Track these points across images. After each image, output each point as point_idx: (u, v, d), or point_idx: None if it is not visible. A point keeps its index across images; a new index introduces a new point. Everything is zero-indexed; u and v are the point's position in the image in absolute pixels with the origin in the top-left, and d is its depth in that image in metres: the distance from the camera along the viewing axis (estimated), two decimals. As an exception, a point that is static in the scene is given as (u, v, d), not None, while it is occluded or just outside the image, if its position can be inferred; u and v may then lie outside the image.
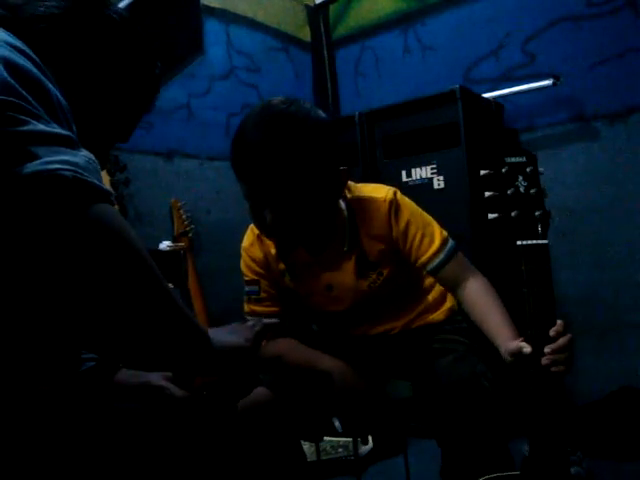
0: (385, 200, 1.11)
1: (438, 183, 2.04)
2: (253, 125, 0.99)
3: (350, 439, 2.00)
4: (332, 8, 2.84)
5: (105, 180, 1.77)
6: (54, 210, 0.42)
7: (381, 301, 1.20)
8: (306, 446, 2.05)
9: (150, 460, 0.76)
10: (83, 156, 0.47)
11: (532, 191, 0.85)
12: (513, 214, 0.84)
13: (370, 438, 1.96)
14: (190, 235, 2.07)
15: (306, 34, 2.86)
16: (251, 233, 1.20)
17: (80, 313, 0.47)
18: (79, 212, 0.43)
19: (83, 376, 0.83)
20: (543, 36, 2.14)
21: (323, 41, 2.85)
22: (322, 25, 2.85)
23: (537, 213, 0.85)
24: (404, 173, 2.13)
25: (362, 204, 1.12)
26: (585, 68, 2.05)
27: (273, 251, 1.16)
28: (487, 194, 0.86)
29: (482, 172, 0.87)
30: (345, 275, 1.13)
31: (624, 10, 1.97)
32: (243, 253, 1.21)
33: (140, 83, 0.72)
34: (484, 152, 2.04)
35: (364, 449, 1.92)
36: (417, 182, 2.10)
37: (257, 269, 1.18)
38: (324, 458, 1.87)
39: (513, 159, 0.85)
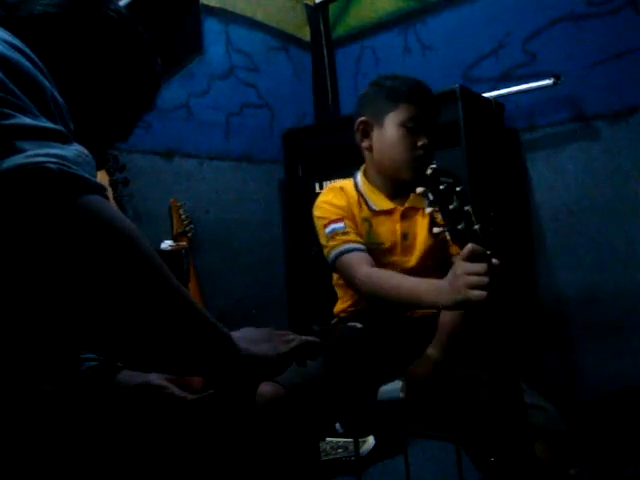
0: None
1: (438, 183, 2.04)
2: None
3: (350, 439, 1.99)
4: (332, 7, 2.84)
5: (104, 180, 1.77)
6: (40, 203, 0.40)
7: (438, 268, 1.25)
8: (306, 446, 2.05)
9: (151, 460, 0.75)
10: (73, 149, 0.45)
11: (466, 208, 0.93)
12: (460, 227, 0.91)
13: (372, 437, 1.96)
14: (189, 235, 2.07)
15: (306, 33, 2.86)
16: (330, 190, 1.37)
17: (80, 310, 0.45)
18: (66, 204, 0.42)
19: (83, 376, 0.82)
20: (543, 35, 2.14)
21: (323, 41, 2.85)
22: (322, 24, 2.85)
23: (476, 227, 0.91)
24: (404, 173, 2.13)
25: None
26: (586, 67, 2.04)
27: (354, 200, 1.32)
28: (428, 210, 0.96)
29: (418, 190, 0.99)
30: (420, 227, 1.31)
31: (625, 9, 1.97)
32: (322, 205, 1.32)
33: (140, 81, 0.71)
34: (484, 152, 2.04)
35: (365, 449, 1.91)
36: (417, 182, 2.09)
37: (341, 212, 1.29)
38: (324, 458, 1.87)
39: (445, 179, 0.96)
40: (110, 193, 1.75)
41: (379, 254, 1.27)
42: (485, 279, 0.88)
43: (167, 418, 0.83)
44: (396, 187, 1.34)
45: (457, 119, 1.96)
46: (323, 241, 1.29)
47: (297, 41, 2.80)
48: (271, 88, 2.61)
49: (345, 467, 1.82)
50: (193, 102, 2.27)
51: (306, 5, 2.86)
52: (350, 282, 1.24)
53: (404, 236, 1.30)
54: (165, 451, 0.77)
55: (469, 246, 0.89)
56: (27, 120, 0.43)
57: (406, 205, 1.31)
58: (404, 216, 1.31)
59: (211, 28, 2.37)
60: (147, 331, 0.48)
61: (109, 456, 0.71)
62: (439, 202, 0.93)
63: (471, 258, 0.89)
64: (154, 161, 2.11)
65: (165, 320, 0.49)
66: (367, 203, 1.33)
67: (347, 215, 1.29)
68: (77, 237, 0.42)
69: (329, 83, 2.85)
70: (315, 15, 2.86)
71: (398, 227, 1.30)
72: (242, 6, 2.51)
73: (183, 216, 2.07)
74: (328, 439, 2.04)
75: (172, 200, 2.09)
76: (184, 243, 2.03)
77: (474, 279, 0.89)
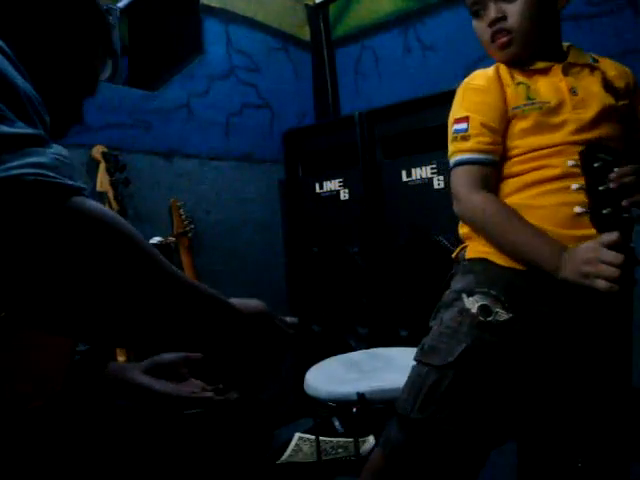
0: (627, 72, 1.15)
1: (438, 183, 2.04)
2: None
3: (350, 439, 2.00)
4: (332, 7, 2.84)
5: (105, 180, 1.77)
6: (19, 213, 0.41)
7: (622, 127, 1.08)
8: (307, 446, 2.05)
9: (144, 460, 0.75)
10: (51, 153, 0.45)
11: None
12: (605, 211, 0.81)
13: (372, 437, 1.96)
14: (190, 235, 2.07)
15: (306, 33, 2.86)
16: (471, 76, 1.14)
17: (82, 304, 0.45)
18: (47, 212, 0.42)
19: (76, 367, 0.81)
20: (543, 36, 2.14)
21: (323, 41, 2.85)
22: (322, 24, 2.85)
23: (625, 215, 0.82)
24: (404, 173, 2.13)
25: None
26: (585, 68, 2.05)
27: (501, 72, 1.11)
28: (574, 187, 0.86)
29: (570, 162, 0.89)
30: (591, 84, 1.10)
31: (625, 10, 1.97)
32: (458, 94, 1.13)
33: (90, 31, 0.71)
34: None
35: (365, 449, 1.92)
36: (417, 182, 2.09)
37: (472, 103, 1.09)
38: (324, 458, 1.87)
39: (603, 155, 0.83)
40: (111, 193, 1.76)
41: (546, 114, 1.05)
42: (618, 272, 0.81)
43: (162, 419, 0.83)
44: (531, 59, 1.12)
45: (457, 119, 1.97)
46: (449, 142, 1.12)
47: (297, 41, 2.80)
48: (271, 88, 2.61)
49: (345, 467, 1.83)
50: (193, 102, 2.27)
51: (306, 5, 2.86)
52: (452, 201, 1.07)
53: (572, 90, 1.07)
54: (159, 451, 0.77)
55: (616, 233, 0.80)
56: (4, 129, 0.43)
57: (567, 61, 1.11)
58: (566, 71, 1.10)
59: (211, 28, 2.37)
60: (150, 311, 0.49)
61: (101, 455, 0.71)
62: (589, 180, 0.83)
63: (612, 246, 0.81)
64: (154, 161, 2.11)
65: (166, 297, 0.50)
66: (517, 69, 1.11)
67: (486, 100, 1.07)
68: (63, 239, 0.43)
69: (329, 83, 2.85)
70: (315, 15, 2.86)
71: (563, 83, 1.08)
72: (242, 6, 2.51)
73: (183, 216, 2.08)
74: (328, 439, 2.05)
75: (172, 200, 2.09)
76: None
77: (608, 270, 0.81)
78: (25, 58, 0.53)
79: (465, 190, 1.02)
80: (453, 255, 1.14)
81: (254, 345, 0.61)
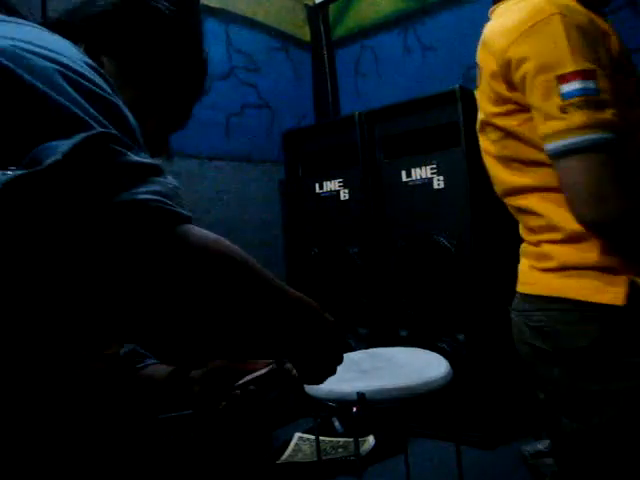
0: None
1: (438, 183, 2.04)
2: None
3: (350, 439, 2.00)
4: (332, 8, 2.84)
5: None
6: (138, 234, 0.46)
7: None
8: (306, 445, 2.06)
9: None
10: (168, 183, 0.49)
11: None
12: None
13: (372, 437, 1.96)
14: (190, 235, 2.07)
15: (306, 34, 2.86)
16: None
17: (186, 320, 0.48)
18: (159, 236, 0.46)
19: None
20: (543, 36, 2.14)
21: (323, 41, 2.85)
22: (322, 25, 2.85)
23: None
24: (404, 173, 2.13)
25: None
26: (585, 68, 2.05)
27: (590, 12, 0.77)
28: None
29: None
30: None
31: (624, 10, 1.97)
32: (554, 29, 0.72)
33: (191, 70, 0.73)
34: (484, 152, 2.04)
35: (365, 448, 1.92)
36: (417, 182, 2.10)
37: (590, 49, 0.72)
38: (324, 458, 1.87)
39: None
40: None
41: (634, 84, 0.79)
42: None
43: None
44: None
45: (457, 119, 1.97)
46: (550, 107, 0.72)
47: (297, 41, 2.80)
48: (271, 88, 2.61)
49: (345, 467, 1.83)
50: (193, 102, 2.28)
51: (306, 5, 2.86)
52: (586, 205, 0.70)
53: None
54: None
55: None
56: (134, 157, 0.47)
57: None
58: None
59: (211, 28, 2.37)
60: (257, 325, 0.52)
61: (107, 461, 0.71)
62: None
63: None
64: (154, 161, 2.12)
65: (272, 310, 0.53)
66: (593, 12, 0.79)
67: (600, 49, 0.72)
68: (171, 260, 0.47)
69: (329, 83, 2.86)
70: (315, 15, 2.87)
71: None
72: (242, 6, 2.51)
73: (183, 216, 2.08)
74: (328, 439, 2.05)
75: (172, 200, 2.10)
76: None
77: None
78: (127, 84, 0.57)
79: (616, 186, 0.70)
80: (602, 301, 0.75)
81: (330, 343, 0.63)
